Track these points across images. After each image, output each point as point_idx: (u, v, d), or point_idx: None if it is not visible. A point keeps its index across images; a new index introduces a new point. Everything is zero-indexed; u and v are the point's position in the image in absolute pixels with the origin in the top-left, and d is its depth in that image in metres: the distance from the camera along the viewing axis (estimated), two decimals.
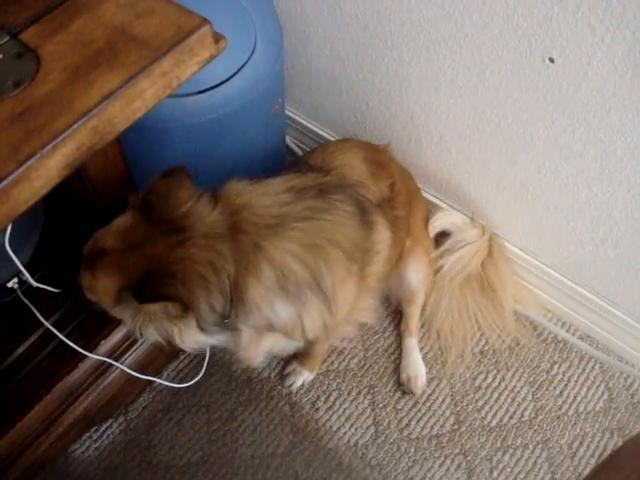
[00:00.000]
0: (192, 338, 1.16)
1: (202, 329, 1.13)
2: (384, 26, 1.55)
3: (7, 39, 0.81)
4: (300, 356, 1.73)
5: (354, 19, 1.59)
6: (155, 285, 1.04)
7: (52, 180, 0.73)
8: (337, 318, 1.34)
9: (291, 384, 1.74)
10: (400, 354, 1.79)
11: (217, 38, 0.83)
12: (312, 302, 1.22)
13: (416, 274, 1.71)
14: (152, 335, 1.17)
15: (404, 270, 1.69)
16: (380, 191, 1.44)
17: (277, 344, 1.36)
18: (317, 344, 1.64)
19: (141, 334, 1.17)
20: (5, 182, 0.68)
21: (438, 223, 1.78)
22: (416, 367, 1.75)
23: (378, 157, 1.53)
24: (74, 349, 1.43)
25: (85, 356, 1.46)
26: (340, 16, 1.61)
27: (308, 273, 1.18)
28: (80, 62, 0.77)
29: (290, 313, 1.22)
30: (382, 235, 1.39)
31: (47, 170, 0.72)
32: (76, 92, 0.74)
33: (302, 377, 1.74)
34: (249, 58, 1.45)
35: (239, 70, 1.43)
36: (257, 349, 1.34)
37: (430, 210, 1.82)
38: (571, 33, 1.26)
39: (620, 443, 1.67)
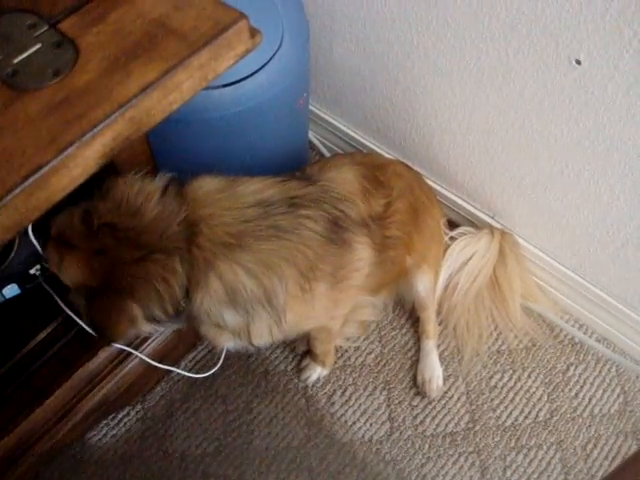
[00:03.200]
0: (147, 327, 1.17)
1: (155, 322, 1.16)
2: (410, 23, 1.55)
3: (46, 28, 0.82)
4: (310, 353, 1.75)
5: (380, 15, 1.59)
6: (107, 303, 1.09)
7: (89, 169, 0.74)
8: (289, 329, 1.35)
9: (307, 378, 1.75)
10: (417, 351, 1.79)
11: (253, 32, 0.84)
12: (261, 316, 1.23)
13: (423, 285, 1.70)
14: None
15: (412, 281, 1.69)
16: (370, 209, 1.41)
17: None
18: (317, 344, 1.66)
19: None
20: (44, 169, 0.69)
21: (450, 263, 1.80)
22: (432, 370, 1.75)
23: (379, 175, 1.50)
24: (94, 337, 1.44)
25: (104, 344, 1.47)
26: (367, 12, 1.61)
27: (261, 290, 1.19)
28: (119, 53, 0.78)
29: (237, 322, 1.24)
30: (360, 254, 1.38)
31: (85, 159, 0.73)
32: (114, 82, 0.75)
33: (316, 372, 1.75)
34: (275, 52, 1.45)
35: (265, 64, 1.44)
36: (219, 338, 1.35)
37: (446, 216, 1.83)
38: (598, 35, 1.26)
39: (635, 446, 1.67)
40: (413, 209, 1.56)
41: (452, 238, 1.83)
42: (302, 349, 1.78)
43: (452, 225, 1.89)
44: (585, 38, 1.28)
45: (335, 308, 1.43)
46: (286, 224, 1.22)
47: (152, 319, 1.13)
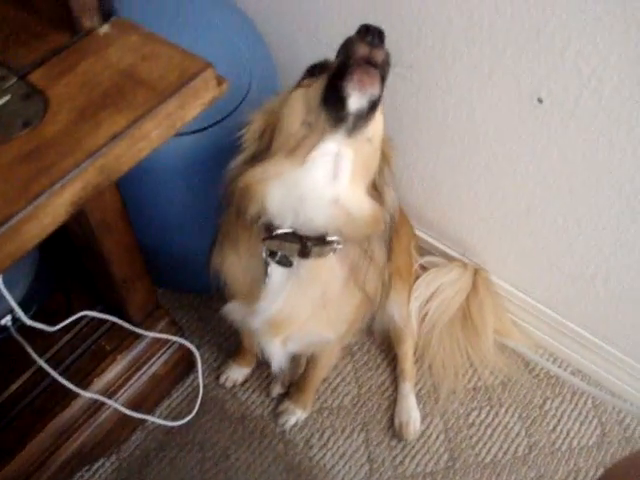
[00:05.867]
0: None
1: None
2: None
3: (15, 80, 0.82)
4: (292, 393, 1.74)
5: None
6: None
7: (59, 218, 0.74)
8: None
9: (284, 422, 1.73)
10: (394, 391, 1.79)
11: (220, 80, 0.85)
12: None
13: (399, 310, 1.71)
14: None
15: (386, 306, 1.68)
16: None
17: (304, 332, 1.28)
18: (312, 372, 1.62)
19: None
20: (15, 219, 0.69)
21: (420, 292, 1.79)
22: (408, 413, 1.74)
23: None
24: (67, 387, 1.42)
25: (78, 394, 1.45)
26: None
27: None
28: (88, 103, 0.78)
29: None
30: None
31: (55, 208, 0.73)
32: (84, 132, 0.76)
33: (295, 416, 1.73)
34: (243, 99, 1.47)
35: (233, 111, 1.45)
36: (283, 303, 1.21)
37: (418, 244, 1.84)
38: (558, 74, 1.30)
39: None
40: None
41: (423, 267, 1.84)
42: (277, 392, 1.77)
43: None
44: (546, 76, 1.32)
45: (362, 310, 1.36)
46: None
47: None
